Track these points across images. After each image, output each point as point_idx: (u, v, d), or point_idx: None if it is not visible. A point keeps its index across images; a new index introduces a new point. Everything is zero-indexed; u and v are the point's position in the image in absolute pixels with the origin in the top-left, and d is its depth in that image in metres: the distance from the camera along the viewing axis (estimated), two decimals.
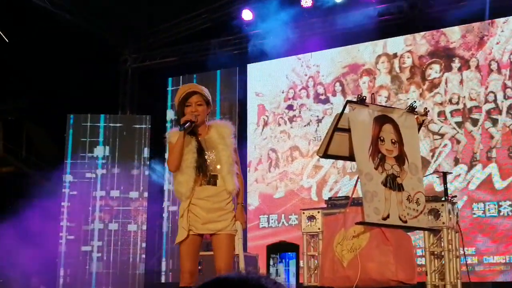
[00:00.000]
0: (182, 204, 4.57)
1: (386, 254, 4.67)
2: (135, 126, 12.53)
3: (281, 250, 5.15)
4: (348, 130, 4.72)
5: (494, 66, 9.88)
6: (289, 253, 5.15)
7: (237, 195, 4.63)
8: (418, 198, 4.73)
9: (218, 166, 4.56)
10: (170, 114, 12.70)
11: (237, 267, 4.50)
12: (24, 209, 10.81)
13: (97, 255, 11.92)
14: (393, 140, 4.79)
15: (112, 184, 12.22)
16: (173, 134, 4.64)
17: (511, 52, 9.80)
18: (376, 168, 4.64)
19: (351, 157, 4.80)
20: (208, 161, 4.55)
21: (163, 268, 12.15)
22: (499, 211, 9.49)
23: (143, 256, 12.05)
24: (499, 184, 9.56)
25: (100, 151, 12.35)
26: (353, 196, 5.29)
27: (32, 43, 11.16)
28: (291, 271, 4.99)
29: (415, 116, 4.99)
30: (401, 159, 4.78)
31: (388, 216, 4.57)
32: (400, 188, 4.68)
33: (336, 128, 4.73)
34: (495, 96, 9.81)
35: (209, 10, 12.34)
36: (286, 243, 5.84)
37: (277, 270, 5.09)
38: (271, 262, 5.15)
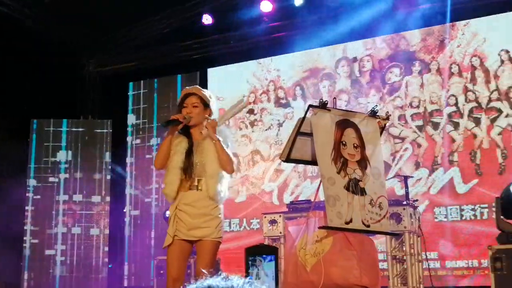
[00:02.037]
0: (171, 207, 4.55)
1: (350, 259, 4.62)
2: (97, 130, 12.49)
3: (259, 252, 5.08)
4: (310, 135, 4.68)
5: (455, 69, 9.95)
6: (268, 255, 5.08)
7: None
8: (380, 202, 4.71)
9: (204, 172, 4.52)
10: (131, 119, 12.64)
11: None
12: None
13: (61, 259, 11.93)
14: (355, 145, 4.76)
15: (74, 188, 12.24)
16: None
17: (472, 55, 9.87)
18: (338, 173, 4.61)
19: (313, 162, 4.76)
20: (195, 164, 4.49)
21: (126, 272, 12.11)
22: (461, 215, 9.54)
23: (106, 260, 12.06)
24: (460, 188, 9.61)
25: (62, 155, 12.36)
26: (315, 200, 5.24)
27: None
28: (269, 273, 4.93)
29: (377, 120, 4.97)
30: (363, 163, 4.76)
31: (351, 221, 4.54)
32: (362, 192, 4.65)
33: (298, 132, 4.69)
34: (456, 100, 9.87)
35: (169, 15, 12.24)
36: (264, 246, 5.79)
37: (255, 273, 5.02)
38: (250, 265, 5.09)
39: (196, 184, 4.51)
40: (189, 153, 4.53)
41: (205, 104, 4.66)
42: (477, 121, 9.68)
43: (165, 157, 4.50)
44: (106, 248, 12.08)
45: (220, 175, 4.57)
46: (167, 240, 4.52)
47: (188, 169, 4.50)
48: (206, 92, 4.74)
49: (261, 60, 11.64)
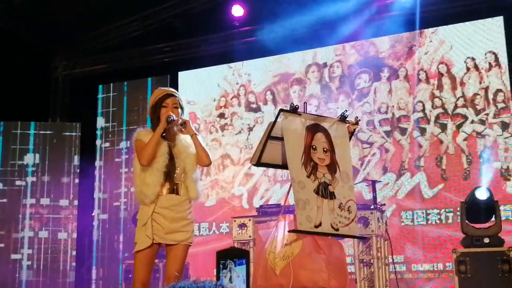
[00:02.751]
0: (146, 210, 4.46)
1: (319, 262, 4.68)
2: (65, 133, 12.39)
3: (231, 256, 5.11)
4: (281, 139, 4.73)
5: (422, 76, 10.10)
6: (239, 259, 5.11)
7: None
8: (349, 206, 4.77)
9: (183, 175, 4.53)
10: (100, 122, 12.57)
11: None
12: None
13: (27, 263, 11.77)
14: (325, 149, 4.82)
15: (42, 191, 12.10)
16: (144, 134, 4.60)
17: (439, 62, 10.04)
18: (308, 176, 4.66)
19: (284, 166, 4.81)
20: (176, 168, 4.51)
21: (94, 276, 12.03)
22: (427, 220, 9.68)
23: (73, 264, 11.94)
24: (427, 192, 9.76)
25: (30, 158, 12.20)
26: (285, 204, 5.29)
27: None
28: (241, 277, 4.97)
29: (346, 125, 5.03)
30: (333, 167, 4.82)
31: (320, 224, 4.59)
32: (332, 196, 4.71)
33: (269, 136, 4.74)
34: (423, 106, 10.02)
35: (141, 18, 12.24)
36: (236, 249, 5.82)
37: (226, 276, 5.05)
38: (221, 268, 5.11)
39: (175, 188, 4.52)
40: (171, 156, 4.54)
41: (182, 108, 4.70)
42: (443, 127, 9.84)
43: (154, 154, 4.46)
44: (74, 252, 11.96)
45: (198, 178, 4.61)
46: (144, 242, 4.44)
47: (170, 172, 4.50)
48: (181, 97, 4.79)
49: (232, 64, 11.69)
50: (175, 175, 4.52)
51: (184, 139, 4.68)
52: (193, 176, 4.57)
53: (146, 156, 4.42)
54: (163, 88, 4.85)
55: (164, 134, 4.57)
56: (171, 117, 4.50)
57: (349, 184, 4.85)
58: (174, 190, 4.50)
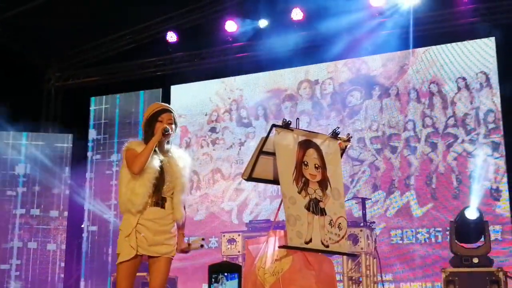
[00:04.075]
0: (130, 220, 4.43)
1: (308, 278, 4.67)
2: (57, 144, 12.37)
3: (223, 270, 5.10)
4: (273, 154, 4.72)
5: (413, 94, 10.15)
6: (231, 273, 5.10)
7: (181, 225, 4.66)
8: (340, 223, 4.76)
9: (171, 192, 4.52)
10: (92, 134, 12.58)
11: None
12: None
13: (16, 274, 11.73)
14: (316, 165, 4.82)
15: (32, 202, 12.07)
16: (136, 144, 4.57)
17: (430, 81, 10.10)
18: (299, 192, 4.65)
19: (275, 181, 4.80)
20: (166, 184, 4.50)
21: (82, 287, 11.98)
22: (416, 238, 9.69)
23: (62, 275, 11.90)
24: (416, 211, 9.78)
25: (21, 169, 12.18)
26: (276, 220, 5.29)
27: None
28: None
29: (338, 142, 5.04)
30: (324, 183, 4.81)
31: (310, 240, 4.58)
32: (322, 212, 4.70)
33: (261, 151, 4.74)
34: (414, 124, 10.07)
35: (134, 31, 12.28)
36: (228, 263, 5.80)
37: None
38: (213, 282, 5.10)
39: (160, 201, 4.51)
40: (162, 170, 4.54)
41: (175, 124, 4.71)
42: (434, 146, 9.88)
43: (145, 163, 4.47)
44: (63, 264, 11.92)
45: (185, 199, 4.61)
46: (128, 253, 4.42)
47: (159, 186, 4.50)
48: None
49: (225, 79, 11.72)
50: (163, 190, 4.52)
51: (178, 156, 4.67)
52: (181, 198, 4.56)
53: (139, 164, 4.41)
54: (159, 103, 4.85)
55: (155, 148, 4.57)
56: (168, 129, 4.52)
57: (339, 201, 4.85)
58: (159, 204, 4.50)
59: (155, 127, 4.57)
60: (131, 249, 4.40)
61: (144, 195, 4.43)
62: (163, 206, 4.51)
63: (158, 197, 4.50)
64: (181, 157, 4.69)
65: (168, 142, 4.70)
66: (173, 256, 4.56)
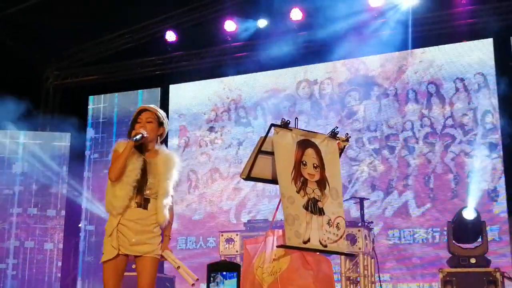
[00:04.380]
0: (112, 221, 4.46)
1: (306, 278, 4.69)
2: (55, 143, 12.33)
3: (221, 269, 5.10)
4: (271, 153, 4.73)
5: (411, 95, 10.17)
6: (230, 272, 5.10)
7: (165, 227, 4.61)
8: (338, 223, 4.77)
9: (155, 193, 4.51)
10: (90, 133, 12.58)
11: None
12: None
13: (12, 273, 11.67)
14: (315, 165, 4.82)
15: (29, 201, 12.00)
16: (121, 145, 4.56)
17: (428, 82, 10.12)
18: (298, 192, 4.65)
19: (273, 180, 4.80)
20: (148, 185, 4.50)
21: (79, 287, 11.99)
22: (414, 238, 9.71)
23: (59, 275, 11.85)
24: (414, 211, 9.80)
25: (18, 167, 12.11)
26: (274, 219, 5.30)
27: None
28: None
29: (337, 142, 5.05)
30: (322, 183, 4.81)
31: (308, 240, 4.58)
32: (321, 212, 4.70)
33: (260, 150, 4.75)
34: (412, 125, 10.09)
35: (133, 30, 12.28)
36: (227, 262, 5.81)
37: None
38: (211, 281, 5.11)
39: (143, 203, 4.51)
40: (144, 172, 4.53)
41: (160, 123, 4.69)
42: (432, 147, 9.90)
43: (123, 169, 4.46)
44: (60, 263, 11.88)
45: (169, 201, 4.57)
46: (110, 253, 4.45)
47: (140, 188, 4.50)
48: (160, 111, 4.78)
49: (224, 79, 11.73)
50: (146, 191, 4.51)
51: (165, 158, 4.64)
52: (164, 201, 4.54)
53: (114, 171, 4.44)
54: (144, 105, 4.86)
55: (140, 146, 4.56)
56: (138, 135, 4.49)
57: (338, 201, 4.86)
58: (142, 205, 4.50)
59: (135, 128, 4.58)
60: (113, 248, 4.44)
61: (124, 198, 4.44)
62: (146, 207, 4.50)
63: (141, 199, 4.49)
64: (168, 159, 4.66)
65: (159, 142, 4.69)
66: (158, 256, 4.53)
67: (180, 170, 4.71)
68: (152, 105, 4.82)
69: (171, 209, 4.62)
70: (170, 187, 4.60)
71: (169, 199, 4.58)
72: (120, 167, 4.42)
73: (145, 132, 4.51)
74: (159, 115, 4.70)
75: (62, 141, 12.35)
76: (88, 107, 12.78)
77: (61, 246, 11.96)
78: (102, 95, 12.76)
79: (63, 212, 12.09)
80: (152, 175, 4.53)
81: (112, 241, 4.45)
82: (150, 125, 4.60)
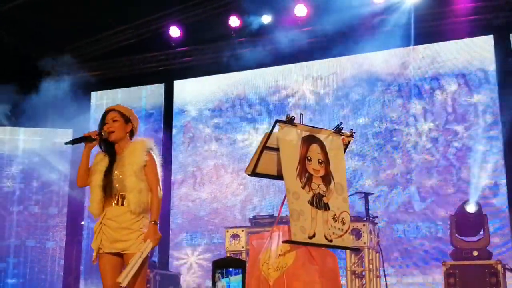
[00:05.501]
0: (96, 223, 4.60)
1: (312, 273, 4.73)
2: (56, 140, 12.24)
3: (227, 265, 5.16)
4: (276, 149, 4.77)
5: (414, 90, 10.22)
6: (235, 269, 5.17)
7: (150, 213, 4.58)
8: (343, 218, 4.82)
9: (125, 186, 4.55)
10: (93, 129, 12.50)
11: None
12: None
13: (14, 272, 11.62)
14: (320, 160, 4.86)
15: (30, 199, 11.94)
16: (97, 156, 4.71)
17: (431, 77, 10.17)
18: (303, 187, 4.69)
19: (279, 176, 4.84)
20: (115, 181, 4.55)
21: (81, 286, 11.92)
22: (417, 232, 9.77)
23: (61, 273, 11.81)
24: (418, 205, 9.86)
25: (19, 165, 12.05)
26: (279, 215, 5.35)
27: None
28: (237, 287, 5.03)
29: (341, 137, 5.09)
30: (327, 178, 4.85)
31: (314, 235, 4.62)
32: (326, 207, 4.74)
33: (265, 146, 4.79)
34: (415, 120, 10.14)
35: (137, 26, 12.25)
36: (232, 259, 5.87)
37: (223, 285, 5.11)
38: (217, 278, 5.17)
39: (121, 200, 4.56)
40: (109, 170, 4.59)
41: (126, 119, 4.75)
42: (435, 141, 9.95)
43: (84, 175, 4.61)
44: (62, 262, 11.81)
45: (141, 187, 4.61)
46: (96, 251, 4.62)
47: (107, 187, 4.55)
48: (125, 107, 4.84)
49: (228, 75, 11.74)
50: (115, 188, 4.55)
51: (132, 147, 4.69)
52: (132, 186, 4.56)
53: (77, 178, 4.65)
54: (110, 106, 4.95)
55: (112, 147, 4.66)
56: (87, 138, 4.60)
57: (343, 196, 4.90)
58: (118, 202, 4.56)
59: (103, 130, 4.69)
60: (97, 247, 4.57)
61: (94, 201, 4.58)
62: (122, 204, 4.56)
63: (115, 196, 4.56)
64: (134, 148, 4.69)
65: (130, 138, 4.76)
66: (140, 253, 4.49)
67: (149, 147, 4.67)
68: (117, 104, 4.91)
69: (153, 192, 4.59)
70: (136, 171, 4.56)
71: (138, 183, 4.55)
72: (80, 174, 4.63)
73: (94, 134, 4.61)
74: (124, 112, 4.76)
75: (64, 137, 12.23)
76: (91, 103, 12.75)
77: (63, 244, 11.87)
78: (105, 91, 12.73)
79: (65, 210, 12.02)
80: (119, 170, 4.59)
81: (94, 241, 4.61)
82: (116, 123, 4.68)
